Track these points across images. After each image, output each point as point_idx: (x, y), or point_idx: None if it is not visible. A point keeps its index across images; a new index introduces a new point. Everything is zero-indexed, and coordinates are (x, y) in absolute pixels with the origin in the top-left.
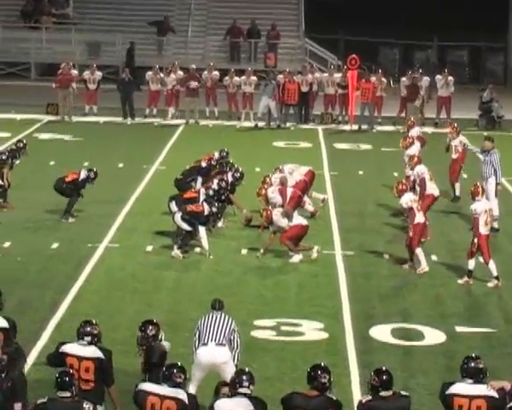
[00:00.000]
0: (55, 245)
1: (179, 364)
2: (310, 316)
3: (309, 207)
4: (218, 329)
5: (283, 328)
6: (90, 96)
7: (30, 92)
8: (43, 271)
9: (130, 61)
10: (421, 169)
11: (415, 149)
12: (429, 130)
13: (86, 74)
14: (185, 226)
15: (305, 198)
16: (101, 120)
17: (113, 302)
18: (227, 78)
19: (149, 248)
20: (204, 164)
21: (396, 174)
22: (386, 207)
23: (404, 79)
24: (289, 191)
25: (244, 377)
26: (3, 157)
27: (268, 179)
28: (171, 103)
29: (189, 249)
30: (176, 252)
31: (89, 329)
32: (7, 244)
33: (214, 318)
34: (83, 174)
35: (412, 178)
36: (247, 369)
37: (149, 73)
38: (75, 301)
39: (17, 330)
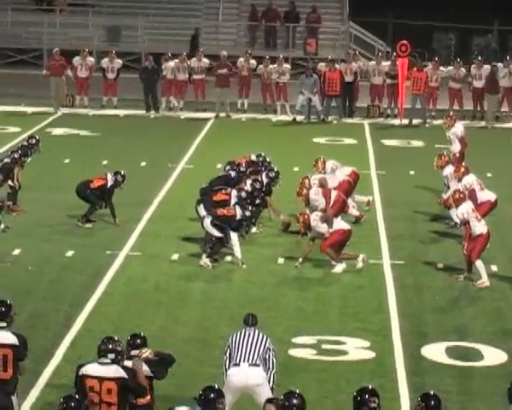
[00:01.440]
0: (69, 253)
1: (216, 387)
2: (354, 333)
3: (354, 211)
4: (251, 347)
5: (325, 346)
6: (109, 87)
7: (42, 82)
8: (57, 281)
9: (194, 51)
10: (470, 180)
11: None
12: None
13: (105, 62)
14: (215, 232)
15: (350, 201)
16: (121, 113)
17: (134, 317)
18: (261, 66)
19: (175, 256)
20: (233, 174)
21: None
22: (441, 211)
23: (473, 67)
24: (333, 194)
25: (295, 401)
26: (14, 156)
27: (307, 181)
28: (174, 93)
29: (219, 258)
30: (205, 261)
31: (111, 346)
32: (17, 252)
33: (247, 335)
34: (110, 179)
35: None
36: (297, 391)
37: (176, 61)
38: (92, 315)
39: (27, 348)
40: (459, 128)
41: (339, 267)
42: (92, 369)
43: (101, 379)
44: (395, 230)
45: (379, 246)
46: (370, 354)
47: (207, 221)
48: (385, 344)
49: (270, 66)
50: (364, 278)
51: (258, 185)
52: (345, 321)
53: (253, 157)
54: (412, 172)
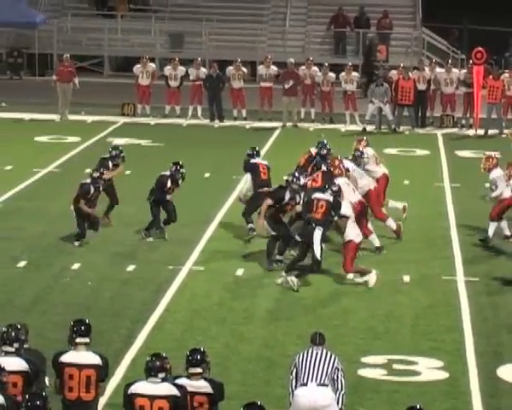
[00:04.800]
0: (130, 268)
1: (259, 403)
2: (427, 353)
3: (391, 223)
4: (319, 367)
5: (396, 366)
6: (172, 95)
7: (103, 90)
8: (117, 297)
9: (368, 62)
10: None
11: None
12: None
13: (167, 70)
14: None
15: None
16: (185, 122)
17: (197, 334)
18: (320, 73)
19: (239, 271)
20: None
21: None
22: None
23: None
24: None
25: None
26: (97, 174)
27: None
28: (192, 100)
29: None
30: (290, 279)
31: (160, 363)
32: (76, 266)
33: (314, 354)
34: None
35: None
36: None
37: (230, 68)
38: (153, 332)
39: (109, 368)
40: None
41: (372, 278)
42: (143, 388)
43: (152, 398)
44: (470, 245)
45: (453, 262)
46: (443, 375)
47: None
48: (459, 364)
49: (331, 73)
50: (438, 296)
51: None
52: (417, 340)
53: (313, 150)
54: (488, 185)
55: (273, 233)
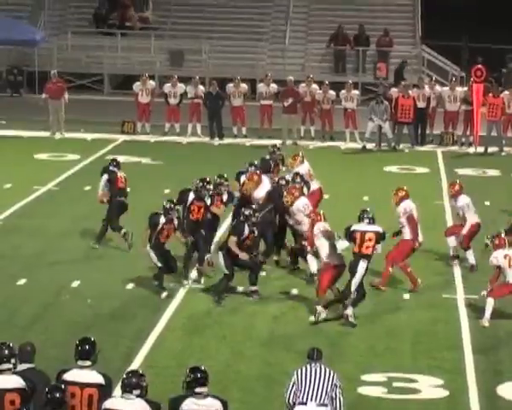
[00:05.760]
0: (130, 285)
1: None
2: (427, 370)
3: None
4: (318, 385)
5: (396, 384)
6: (171, 113)
7: (103, 108)
8: (117, 315)
9: (398, 82)
10: None
11: None
12: None
13: (167, 87)
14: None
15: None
16: (184, 140)
17: (197, 352)
18: (320, 91)
19: (239, 289)
20: None
21: None
22: None
23: None
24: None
25: None
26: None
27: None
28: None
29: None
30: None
31: (136, 380)
32: (76, 284)
33: (314, 371)
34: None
35: None
36: None
37: (230, 86)
38: (153, 350)
39: (112, 387)
40: None
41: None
42: (116, 403)
43: None
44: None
45: (452, 280)
46: (444, 393)
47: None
48: (459, 382)
49: (331, 91)
50: (438, 314)
51: None
52: (417, 358)
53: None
54: (487, 203)
55: (226, 271)
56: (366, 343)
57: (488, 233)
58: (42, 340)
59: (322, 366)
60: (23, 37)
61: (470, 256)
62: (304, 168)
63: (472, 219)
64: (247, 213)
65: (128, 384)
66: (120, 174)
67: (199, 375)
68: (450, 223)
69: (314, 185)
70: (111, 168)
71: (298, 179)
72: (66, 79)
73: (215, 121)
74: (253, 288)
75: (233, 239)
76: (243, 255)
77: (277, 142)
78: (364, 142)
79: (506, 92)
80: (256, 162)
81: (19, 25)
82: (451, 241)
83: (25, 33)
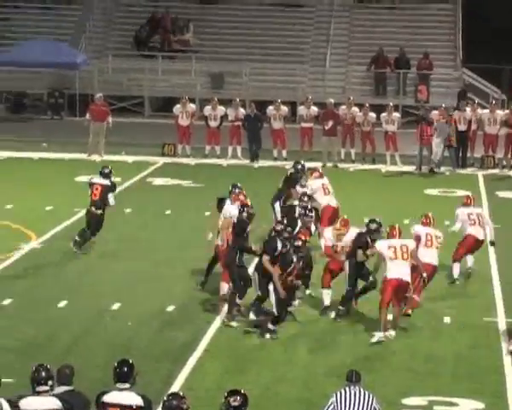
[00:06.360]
0: (170, 308)
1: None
2: (468, 394)
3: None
4: (357, 407)
5: (437, 408)
6: (212, 135)
7: (143, 130)
8: (157, 337)
9: (460, 104)
10: None
11: None
12: None
13: (207, 110)
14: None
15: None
16: (225, 162)
17: (238, 376)
18: (360, 113)
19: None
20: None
21: None
22: None
23: None
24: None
25: None
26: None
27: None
28: (231, 141)
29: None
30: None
31: (176, 403)
32: (116, 306)
33: (352, 393)
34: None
35: None
36: None
37: (271, 108)
38: (193, 373)
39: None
40: None
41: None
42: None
43: None
44: (511, 285)
45: (494, 303)
46: None
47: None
48: (500, 406)
49: (372, 113)
50: (479, 337)
51: None
52: (458, 381)
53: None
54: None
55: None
56: (407, 367)
57: None
58: (82, 362)
59: (361, 389)
60: (64, 60)
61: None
62: (317, 183)
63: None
64: (278, 228)
65: (169, 407)
66: (97, 185)
67: (238, 398)
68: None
69: (329, 201)
70: (91, 180)
71: (305, 198)
72: (107, 101)
73: (254, 143)
74: (272, 327)
75: (266, 258)
76: (275, 271)
77: (318, 164)
78: (432, 165)
79: None
80: (239, 184)
81: (60, 47)
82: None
83: (66, 56)
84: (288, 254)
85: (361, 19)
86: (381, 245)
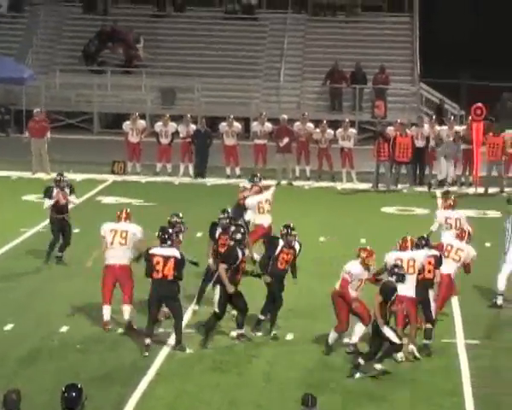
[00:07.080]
0: (120, 329)
1: None
2: None
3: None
4: None
5: None
6: (163, 152)
7: (92, 148)
8: (107, 360)
9: (440, 119)
10: None
11: None
12: None
13: (158, 126)
14: None
15: None
16: (176, 180)
17: (189, 399)
18: (318, 130)
19: (233, 333)
20: None
21: None
22: None
23: None
24: None
25: None
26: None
27: None
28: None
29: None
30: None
31: None
32: (64, 329)
33: None
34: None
35: None
36: None
37: (223, 125)
38: (144, 397)
39: None
40: None
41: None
42: None
43: None
44: (470, 306)
45: (453, 324)
46: None
47: None
48: None
49: (329, 130)
50: (437, 359)
51: None
52: (416, 405)
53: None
54: (488, 245)
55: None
56: (363, 389)
57: (489, 275)
58: (30, 386)
59: None
60: (10, 74)
61: None
62: (253, 201)
63: None
64: (237, 237)
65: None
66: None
67: None
68: None
69: (262, 220)
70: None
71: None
72: (54, 117)
73: (201, 160)
74: (240, 331)
75: (223, 266)
76: (230, 288)
77: (272, 182)
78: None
79: (507, 131)
80: (229, 209)
81: (6, 62)
82: None
83: (12, 71)
84: (234, 249)
85: (316, 32)
86: (389, 257)
